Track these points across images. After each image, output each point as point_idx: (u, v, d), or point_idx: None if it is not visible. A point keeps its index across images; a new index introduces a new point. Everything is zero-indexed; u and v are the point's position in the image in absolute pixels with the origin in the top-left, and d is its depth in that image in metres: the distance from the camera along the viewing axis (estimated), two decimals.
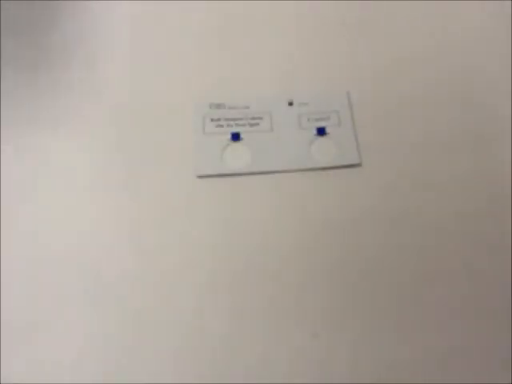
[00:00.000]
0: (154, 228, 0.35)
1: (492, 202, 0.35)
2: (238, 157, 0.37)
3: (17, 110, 0.39)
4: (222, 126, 0.38)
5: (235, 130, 0.38)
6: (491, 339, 0.31)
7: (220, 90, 0.39)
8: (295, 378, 0.30)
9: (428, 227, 0.34)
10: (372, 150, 0.37)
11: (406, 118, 0.38)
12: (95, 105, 0.39)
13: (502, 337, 0.31)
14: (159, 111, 0.39)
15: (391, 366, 0.30)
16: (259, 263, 0.33)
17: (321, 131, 0.38)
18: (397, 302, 0.32)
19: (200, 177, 0.36)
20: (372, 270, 0.33)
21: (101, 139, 0.38)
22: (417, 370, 0.30)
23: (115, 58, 0.41)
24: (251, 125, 0.38)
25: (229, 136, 0.38)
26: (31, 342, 0.31)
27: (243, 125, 0.38)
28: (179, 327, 0.32)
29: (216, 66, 0.40)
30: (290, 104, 0.39)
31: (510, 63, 0.40)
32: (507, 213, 0.34)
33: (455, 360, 0.30)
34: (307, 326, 0.32)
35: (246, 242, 0.34)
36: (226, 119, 0.38)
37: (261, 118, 0.38)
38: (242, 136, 0.38)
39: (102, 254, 0.34)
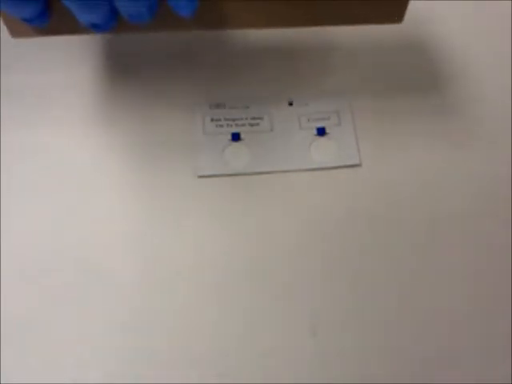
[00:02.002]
0: (154, 228, 0.35)
1: (492, 202, 0.35)
2: (238, 157, 0.37)
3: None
4: (222, 126, 0.38)
5: (235, 130, 0.38)
6: (491, 339, 0.31)
7: (220, 90, 0.40)
8: (294, 378, 0.30)
9: (428, 227, 0.34)
10: (372, 150, 0.37)
11: (407, 117, 0.38)
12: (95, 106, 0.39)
13: (502, 336, 0.31)
14: (158, 111, 0.39)
15: (391, 365, 0.30)
16: (259, 263, 0.33)
17: (321, 131, 0.38)
18: (397, 302, 0.32)
19: (200, 177, 0.36)
20: (372, 270, 0.33)
21: (99, 139, 0.38)
22: (417, 370, 0.30)
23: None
24: (251, 125, 0.38)
25: (229, 136, 0.38)
26: (32, 342, 0.31)
27: (243, 125, 0.38)
28: (179, 327, 0.32)
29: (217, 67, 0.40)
30: (290, 104, 0.39)
31: (510, 62, 0.40)
32: (507, 213, 0.34)
33: (455, 360, 0.30)
34: (307, 325, 0.32)
35: (246, 241, 0.34)
36: (226, 119, 0.38)
37: (261, 118, 0.38)
38: (242, 136, 0.38)
39: (101, 254, 0.34)
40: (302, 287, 0.33)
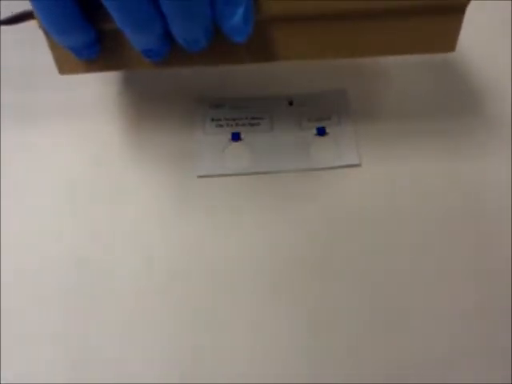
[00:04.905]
0: (153, 228, 0.35)
1: (493, 203, 0.35)
2: (238, 157, 0.37)
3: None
4: (222, 125, 0.38)
5: (235, 130, 0.38)
6: (491, 339, 0.31)
7: (220, 90, 0.40)
8: (294, 378, 0.30)
9: (428, 228, 0.34)
10: (372, 150, 0.37)
11: (406, 118, 0.38)
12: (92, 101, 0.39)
13: (502, 337, 0.31)
14: (158, 111, 0.39)
15: (391, 366, 0.30)
16: (258, 263, 0.33)
17: (321, 131, 0.38)
18: (396, 302, 0.32)
19: (200, 177, 0.36)
20: (372, 270, 0.33)
21: (99, 139, 0.38)
22: (417, 370, 0.30)
23: None
24: (251, 125, 0.38)
25: (229, 136, 0.38)
26: (31, 342, 0.31)
27: (243, 125, 0.38)
28: (178, 327, 0.32)
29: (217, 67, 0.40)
30: (290, 104, 0.39)
31: (510, 60, 0.40)
32: (507, 213, 0.34)
33: (455, 360, 0.30)
34: (306, 326, 0.32)
35: (246, 241, 0.34)
36: (226, 119, 0.38)
37: (261, 118, 0.38)
38: (242, 136, 0.38)
39: (101, 254, 0.34)
40: (301, 287, 0.33)
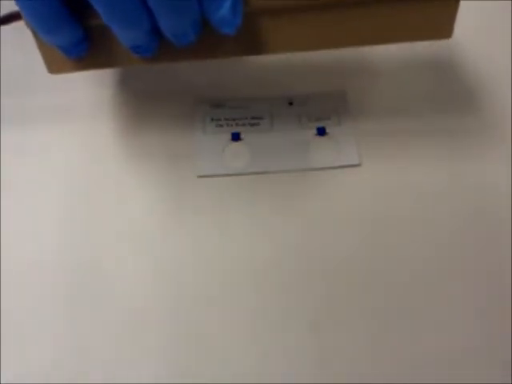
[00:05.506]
0: (153, 228, 0.35)
1: (493, 202, 0.35)
2: (238, 157, 0.37)
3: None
4: (222, 125, 0.38)
5: (235, 129, 0.38)
6: (491, 339, 0.31)
7: (220, 90, 0.40)
8: (295, 378, 0.30)
9: (428, 227, 0.34)
10: (372, 150, 0.37)
11: (406, 118, 0.38)
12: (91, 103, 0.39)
13: (502, 337, 0.31)
14: (158, 111, 0.39)
15: (391, 366, 0.30)
16: (258, 263, 0.33)
17: (321, 131, 0.38)
18: (396, 303, 0.32)
19: (200, 177, 0.36)
20: (372, 271, 0.33)
21: (99, 139, 0.38)
22: (417, 370, 0.30)
23: None
24: (251, 125, 0.38)
25: (229, 136, 0.38)
26: (31, 341, 0.31)
27: (243, 125, 0.38)
28: (178, 327, 0.32)
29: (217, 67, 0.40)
30: (290, 104, 0.39)
31: (510, 59, 0.40)
32: (507, 213, 0.34)
33: (455, 360, 0.30)
34: (307, 326, 0.32)
35: (246, 241, 0.34)
36: (226, 119, 0.38)
37: (261, 118, 0.38)
38: (242, 136, 0.38)
39: (101, 254, 0.34)
40: (300, 287, 0.33)
